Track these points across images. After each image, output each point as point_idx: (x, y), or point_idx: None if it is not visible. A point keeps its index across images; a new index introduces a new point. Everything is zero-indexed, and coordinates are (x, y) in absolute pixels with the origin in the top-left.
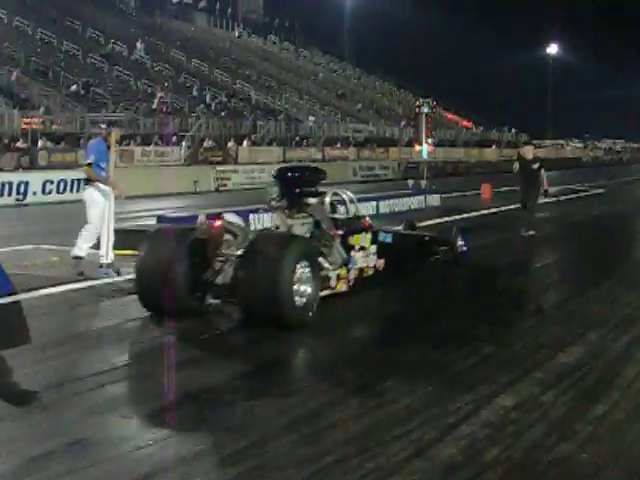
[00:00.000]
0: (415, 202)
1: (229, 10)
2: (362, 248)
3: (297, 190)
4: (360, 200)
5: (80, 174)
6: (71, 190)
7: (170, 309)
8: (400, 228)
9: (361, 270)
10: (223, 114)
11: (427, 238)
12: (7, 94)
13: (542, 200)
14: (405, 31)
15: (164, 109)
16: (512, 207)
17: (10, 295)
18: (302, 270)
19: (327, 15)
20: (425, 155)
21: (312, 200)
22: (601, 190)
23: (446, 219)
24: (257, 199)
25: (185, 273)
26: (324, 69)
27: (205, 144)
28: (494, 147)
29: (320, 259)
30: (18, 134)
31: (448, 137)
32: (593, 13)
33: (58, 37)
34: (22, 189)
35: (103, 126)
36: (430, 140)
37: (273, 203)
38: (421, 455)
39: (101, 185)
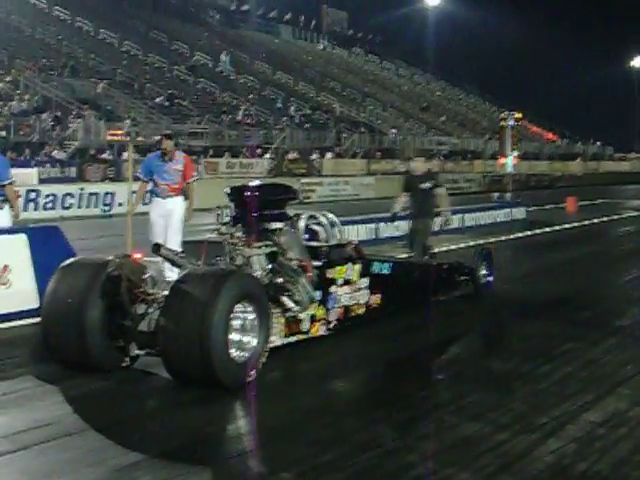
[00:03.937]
0: (501, 215)
1: (313, 22)
2: (347, 282)
3: (256, 213)
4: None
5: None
6: None
7: (83, 361)
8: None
9: (347, 309)
10: (307, 126)
11: (446, 266)
12: (93, 106)
13: (437, 228)
14: (489, 44)
15: (249, 121)
16: (596, 221)
17: None
18: (244, 315)
19: (411, 27)
20: (510, 168)
21: (278, 225)
22: None
23: (528, 233)
24: (342, 211)
25: (101, 317)
26: (408, 81)
27: (289, 156)
28: (579, 160)
29: (284, 298)
30: (104, 145)
31: (532, 150)
32: None
33: (144, 50)
34: (108, 200)
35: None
36: (515, 153)
37: (223, 229)
38: (508, 469)
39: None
